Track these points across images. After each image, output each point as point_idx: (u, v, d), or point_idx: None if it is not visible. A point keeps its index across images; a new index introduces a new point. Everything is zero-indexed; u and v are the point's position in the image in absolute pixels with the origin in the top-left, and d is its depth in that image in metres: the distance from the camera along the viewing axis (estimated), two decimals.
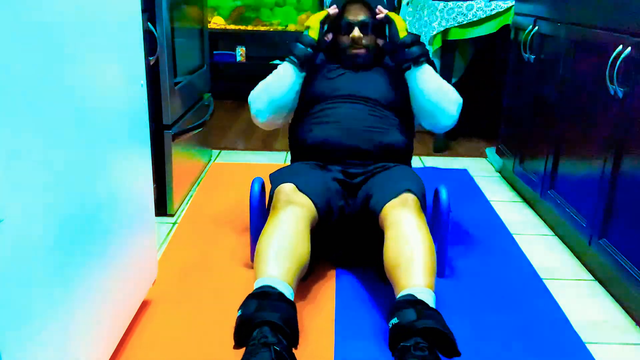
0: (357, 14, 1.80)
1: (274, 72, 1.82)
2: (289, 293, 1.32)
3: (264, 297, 1.26)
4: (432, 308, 1.26)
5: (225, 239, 1.95)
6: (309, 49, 1.77)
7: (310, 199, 1.55)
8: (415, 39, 1.75)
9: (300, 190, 1.55)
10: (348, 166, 1.75)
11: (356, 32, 1.78)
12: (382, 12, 1.80)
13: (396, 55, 1.78)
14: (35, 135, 0.86)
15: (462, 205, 2.31)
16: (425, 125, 1.84)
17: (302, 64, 1.77)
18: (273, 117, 1.82)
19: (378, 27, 1.83)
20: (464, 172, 2.73)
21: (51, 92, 0.91)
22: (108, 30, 1.15)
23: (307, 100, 1.84)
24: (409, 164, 1.91)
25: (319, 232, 1.62)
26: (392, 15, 1.79)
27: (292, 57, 1.77)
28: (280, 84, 1.78)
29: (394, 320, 1.24)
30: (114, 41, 1.18)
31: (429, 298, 1.30)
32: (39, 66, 0.87)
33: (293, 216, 1.48)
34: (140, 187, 1.38)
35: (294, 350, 1.22)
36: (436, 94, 1.75)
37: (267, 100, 1.79)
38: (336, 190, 1.68)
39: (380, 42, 1.84)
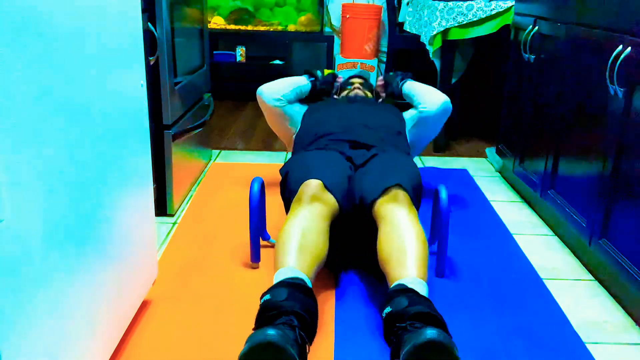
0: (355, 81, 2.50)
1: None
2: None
3: (295, 287, 1.27)
4: (422, 296, 1.28)
5: (225, 239, 1.95)
6: (323, 86, 2.38)
7: (335, 198, 1.58)
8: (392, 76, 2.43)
9: (326, 187, 1.58)
10: (351, 145, 1.91)
11: (357, 85, 2.44)
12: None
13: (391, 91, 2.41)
14: (34, 135, 0.86)
15: (462, 205, 2.31)
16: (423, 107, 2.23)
17: (315, 81, 2.33)
18: (273, 97, 2.21)
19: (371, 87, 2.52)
20: (464, 172, 2.73)
21: (51, 92, 0.91)
22: (108, 31, 1.15)
23: (314, 113, 2.20)
24: (408, 152, 2.07)
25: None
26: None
27: (311, 75, 2.34)
28: (292, 79, 2.27)
29: (387, 310, 1.25)
30: (114, 41, 1.18)
31: (420, 288, 1.32)
32: (38, 66, 0.87)
33: (317, 213, 1.51)
34: (140, 187, 1.38)
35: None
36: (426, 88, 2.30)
37: (276, 83, 2.25)
38: (350, 177, 1.71)
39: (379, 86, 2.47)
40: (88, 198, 1.07)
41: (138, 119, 1.35)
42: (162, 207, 2.10)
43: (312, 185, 1.57)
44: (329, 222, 1.55)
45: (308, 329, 1.22)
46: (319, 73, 2.36)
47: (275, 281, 1.33)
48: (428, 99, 2.17)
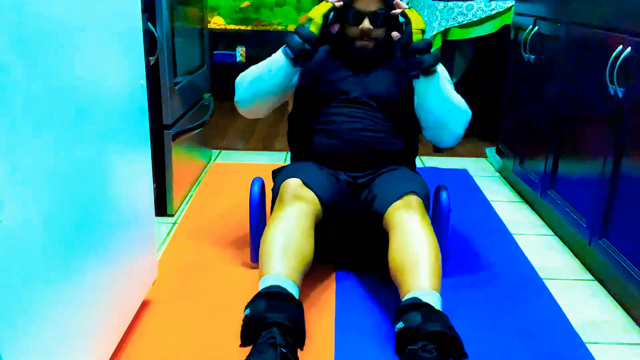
0: (369, 4, 1.61)
1: (267, 61, 1.66)
2: (295, 292, 1.33)
3: (273, 297, 1.26)
4: (438, 311, 1.26)
5: (225, 239, 1.95)
6: (306, 45, 1.58)
7: (315, 193, 1.53)
8: (428, 45, 1.54)
9: (306, 184, 1.54)
10: (351, 172, 1.71)
11: (366, 23, 1.61)
12: (399, 6, 1.58)
13: (406, 60, 1.56)
14: (34, 135, 0.86)
15: (462, 205, 2.31)
16: (427, 136, 1.70)
17: (297, 59, 1.60)
18: (256, 108, 1.71)
19: (391, 19, 1.64)
20: (464, 172, 2.73)
21: (51, 92, 0.91)
22: (108, 30, 1.15)
23: (307, 101, 1.74)
24: (413, 166, 1.84)
25: (322, 232, 1.61)
26: (410, 12, 1.56)
27: (287, 50, 1.60)
28: (270, 79, 1.63)
29: (400, 325, 1.23)
30: (114, 41, 1.18)
31: (434, 300, 1.29)
32: (38, 65, 0.87)
33: (299, 212, 1.47)
34: (140, 187, 1.38)
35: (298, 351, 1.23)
36: (443, 112, 1.60)
37: (254, 91, 1.66)
38: (341, 189, 1.67)
39: (394, 35, 1.59)
40: (88, 198, 1.07)
41: (138, 118, 1.34)
42: (162, 207, 2.10)
43: (291, 184, 1.53)
44: (313, 220, 1.50)
45: (293, 335, 1.20)
46: (295, 41, 1.59)
47: (259, 289, 1.32)
48: (441, 136, 1.67)
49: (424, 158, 2.96)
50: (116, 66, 1.20)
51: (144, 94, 1.38)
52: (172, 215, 2.12)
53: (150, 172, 1.46)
